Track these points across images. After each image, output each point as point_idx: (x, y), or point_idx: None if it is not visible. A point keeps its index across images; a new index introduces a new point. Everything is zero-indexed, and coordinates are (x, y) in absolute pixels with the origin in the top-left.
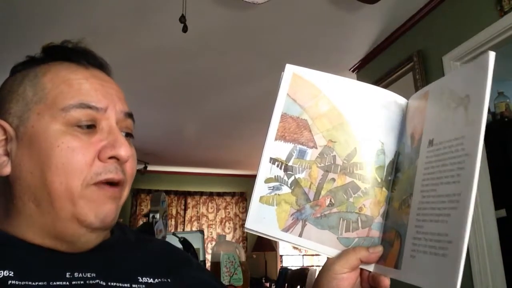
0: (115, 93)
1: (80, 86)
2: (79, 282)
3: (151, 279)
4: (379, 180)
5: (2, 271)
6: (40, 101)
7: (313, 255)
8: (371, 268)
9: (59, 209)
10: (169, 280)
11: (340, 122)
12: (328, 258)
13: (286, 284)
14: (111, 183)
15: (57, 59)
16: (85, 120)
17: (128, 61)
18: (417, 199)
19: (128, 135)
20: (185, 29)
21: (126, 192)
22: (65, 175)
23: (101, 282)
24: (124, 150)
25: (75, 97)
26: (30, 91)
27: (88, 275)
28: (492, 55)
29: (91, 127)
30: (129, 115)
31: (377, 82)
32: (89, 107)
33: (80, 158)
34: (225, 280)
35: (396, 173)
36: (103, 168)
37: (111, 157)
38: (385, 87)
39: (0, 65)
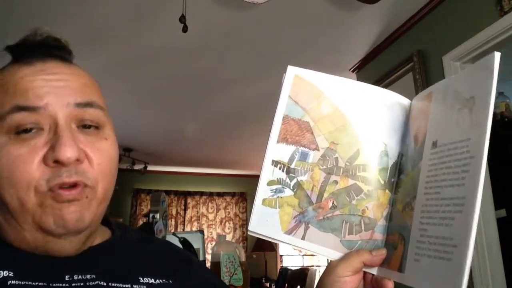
0: (63, 84)
1: (14, 88)
2: (79, 284)
3: (153, 280)
4: (382, 182)
5: (1, 271)
6: None
7: (313, 255)
8: (374, 271)
9: (21, 221)
10: (170, 281)
11: (342, 124)
12: (331, 261)
13: (286, 284)
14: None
15: (13, 61)
16: (26, 124)
17: (128, 61)
18: (420, 202)
19: (94, 127)
20: (185, 29)
21: (100, 190)
22: (14, 188)
23: (102, 283)
24: (67, 151)
25: (9, 101)
26: None
27: (88, 277)
28: (497, 56)
29: (37, 129)
30: (86, 105)
31: (377, 82)
32: (24, 108)
33: (23, 167)
34: (225, 280)
35: (399, 175)
36: (51, 174)
37: (56, 161)
38: (385, 87)
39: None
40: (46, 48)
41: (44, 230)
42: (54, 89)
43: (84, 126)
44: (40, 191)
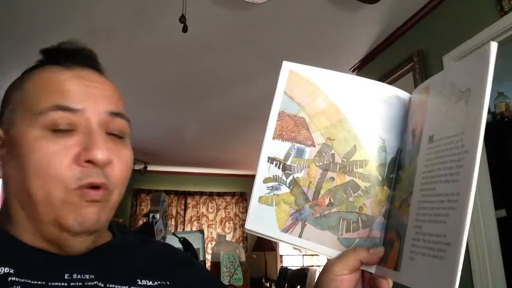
0: (99, 92)
1: (57, 88)
2: (77, 283)
3: (150, 282)
4: (380, 178)
5: (2, 268)
6: (23, 106)
7: (313, 255)
8: (372, 269)
9: (42, 214)
10: (168, 282)
11: (338, 119)
12: (328, 259)
13: (286, 284)
14: (94, 187)
15: (49, 63)
16: (63, 123)
17: (128, 61)
18: (416, 198)
19: (118, 136)
20: (185, 29)
21: (114, 196)
22: (43, 181)
23: (100, 284)
24: (100, 153)
25: (51, 99)
26: (17, 97)
27: (87, 276)
28: (494, 45)
29: (70, 130)
30: (117, 115)
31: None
32: (65, 108)
33: (56, 162)
34: (225, 280)
35: (397, 171)
36: (81, 173)
37: (88, 161)
38: None
39: (1, 65)
40: (83, 57)
41: (62, 227)
42: (91, 96)
43: (112, 134)
44: (69, 188)
